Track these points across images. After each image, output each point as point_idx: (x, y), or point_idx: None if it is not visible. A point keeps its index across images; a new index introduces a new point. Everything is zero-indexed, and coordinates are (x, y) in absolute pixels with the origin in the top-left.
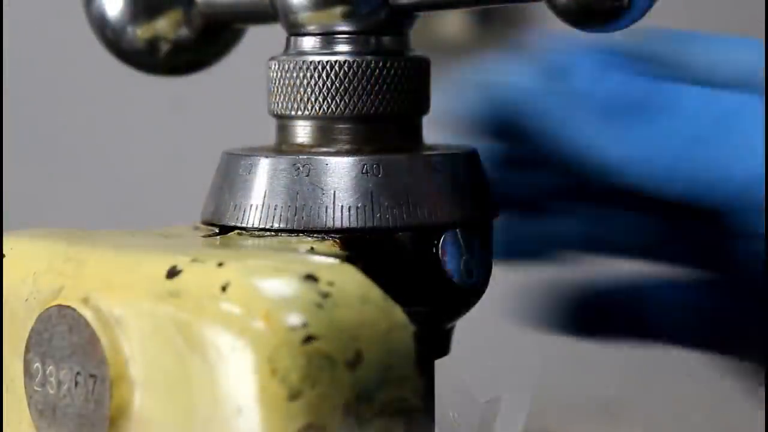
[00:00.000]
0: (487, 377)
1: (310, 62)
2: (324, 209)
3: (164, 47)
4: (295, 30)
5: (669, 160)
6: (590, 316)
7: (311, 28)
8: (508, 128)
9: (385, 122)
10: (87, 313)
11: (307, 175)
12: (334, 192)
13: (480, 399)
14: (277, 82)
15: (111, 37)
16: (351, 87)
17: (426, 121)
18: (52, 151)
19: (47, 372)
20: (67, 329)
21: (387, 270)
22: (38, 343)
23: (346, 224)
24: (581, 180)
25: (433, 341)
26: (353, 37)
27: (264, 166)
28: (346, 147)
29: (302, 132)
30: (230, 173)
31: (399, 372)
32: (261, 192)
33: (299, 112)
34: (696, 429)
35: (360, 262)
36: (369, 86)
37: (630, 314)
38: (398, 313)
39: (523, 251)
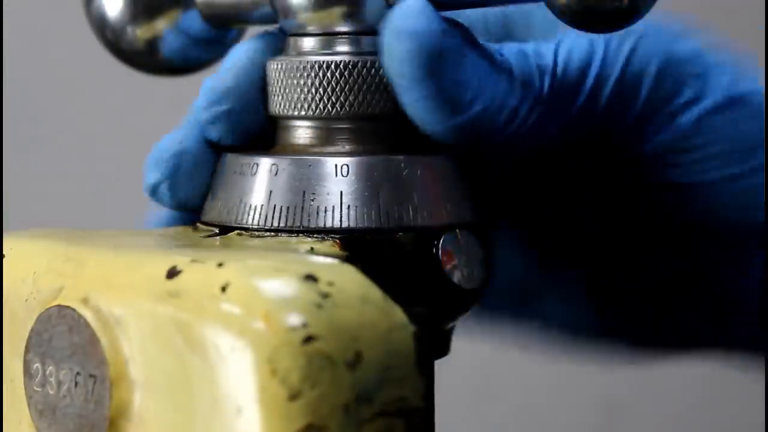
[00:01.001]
0: (487, 377)
1: (311, 62)
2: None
3: (164, 47)
4: (295, 30)
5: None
6: None
7: (311, 28)
8: None
9: (385, 122)
10: (87, 314)
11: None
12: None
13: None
14: (277, 82)
15: (111, 38)
16: (351, 87)
17: None
18: (53, 152)
19: (47, 372)
20: (67, 329)
21: (387, 270)
22: (38, 343)
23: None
24: None
25: (433, 341)
26: (353, 37)
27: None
28: (346, 147)
29: (302, 132)
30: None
31: (399, 372)
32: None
33: (299, 113)
34: (696, 429)
35: (360, 262)
36: (369, 86)
37: None
38: (398, 313)
39: None
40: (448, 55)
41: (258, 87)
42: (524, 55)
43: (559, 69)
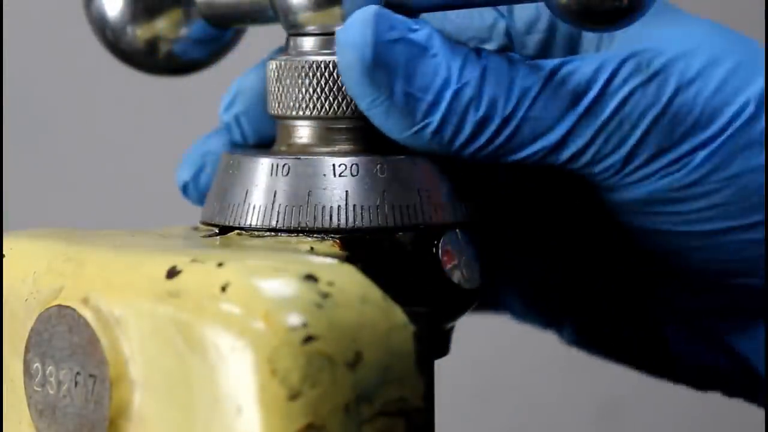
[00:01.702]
0: (487, 376)
1: (311, 62)
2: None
3: (164, 47)
4: (295, 30)
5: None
6: None
7: (311, 28)
8: None
9: None
10: (87, 314)
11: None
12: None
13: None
14: (277, 82)
15: (111, 38)
16: None
17: None
18: (53, 151)
19: (47, 372)
20: (67, 329)
21: (387, 270)
22: (38, 343)
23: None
24: None
25: (433, 341)
26: None
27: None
28: (346, 147)
29: (302, 132)
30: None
31: (399, 372)
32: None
33: (299, 113)
34: (696, 429)
35: (360, 262)
36: None
37: None
38: (398, 313)
39: None
40: (395, 66)
41: None
42: (510, 62)
43: (555, 84)
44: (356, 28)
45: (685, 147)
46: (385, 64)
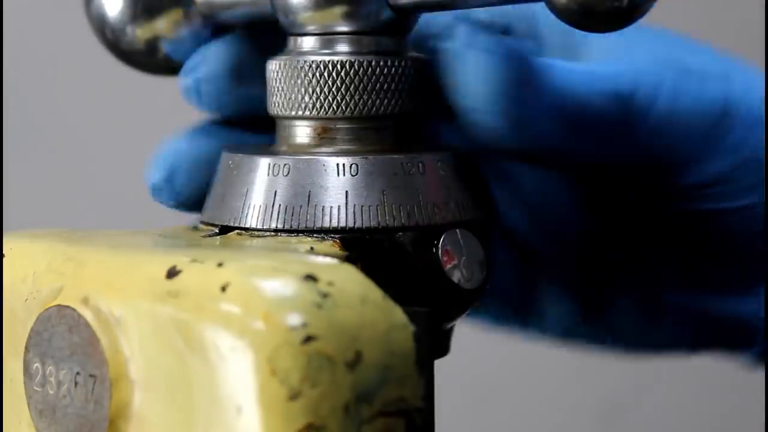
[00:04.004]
0: (487, 376)
1: (310, 62)
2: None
3: (164, 47)
4: (295, 30)
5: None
6: None
7: (311, 28)
8: None
9: (384, 122)
10: (87, 314)
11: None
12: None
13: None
14: (277, 82)
15: (111, 38)
16: (351, 87)
17: None
18: (52, 151)
19: (47, 372)
20: (66, 329)
21: (387, 270)
22: (38, 343)
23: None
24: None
25: (433, 341)
26: (353, 37)
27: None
28: (346, 147)
29: (302, 132)
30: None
31: (399, 372)
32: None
33: (299, 113)
34: (696, 429)
35: (360, 262)
36: (369, 86)
37: None
38: (398, 313)
39: None
40: (528, 79)
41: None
42: (591, 75)
43: (627, 100)
44: (489, 39)
45: (729, 134)
46: (527, 76)
